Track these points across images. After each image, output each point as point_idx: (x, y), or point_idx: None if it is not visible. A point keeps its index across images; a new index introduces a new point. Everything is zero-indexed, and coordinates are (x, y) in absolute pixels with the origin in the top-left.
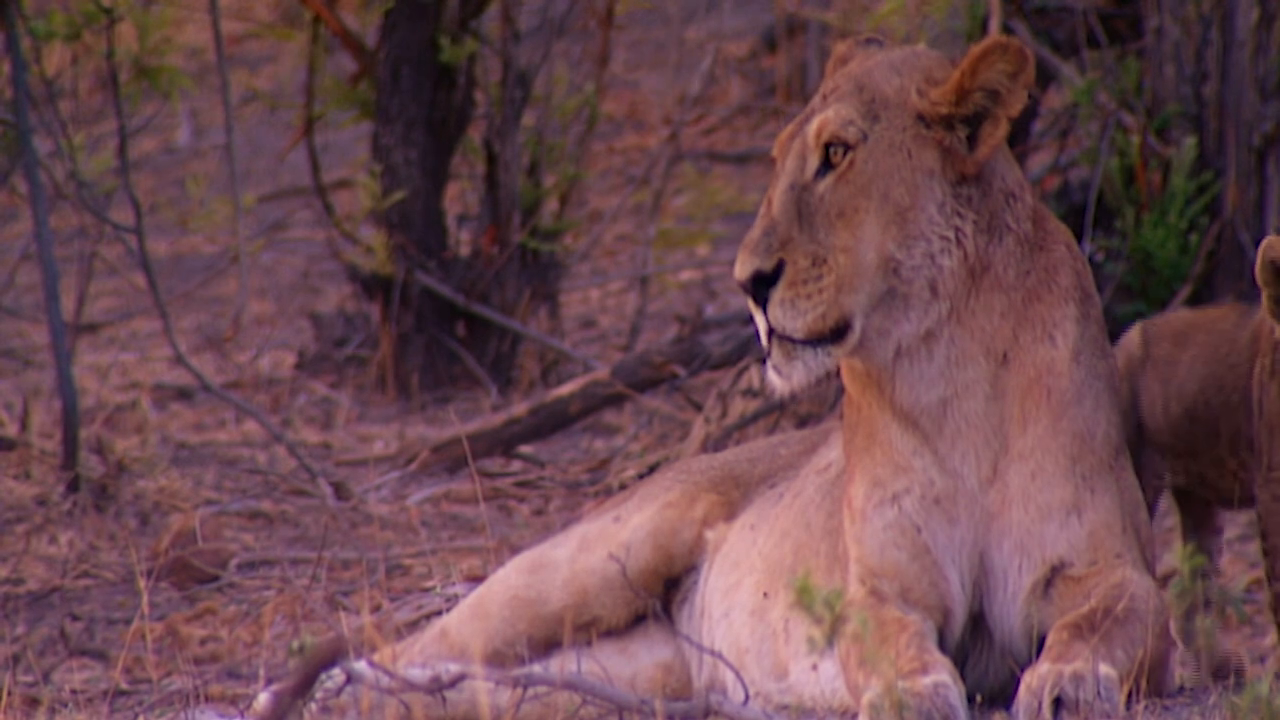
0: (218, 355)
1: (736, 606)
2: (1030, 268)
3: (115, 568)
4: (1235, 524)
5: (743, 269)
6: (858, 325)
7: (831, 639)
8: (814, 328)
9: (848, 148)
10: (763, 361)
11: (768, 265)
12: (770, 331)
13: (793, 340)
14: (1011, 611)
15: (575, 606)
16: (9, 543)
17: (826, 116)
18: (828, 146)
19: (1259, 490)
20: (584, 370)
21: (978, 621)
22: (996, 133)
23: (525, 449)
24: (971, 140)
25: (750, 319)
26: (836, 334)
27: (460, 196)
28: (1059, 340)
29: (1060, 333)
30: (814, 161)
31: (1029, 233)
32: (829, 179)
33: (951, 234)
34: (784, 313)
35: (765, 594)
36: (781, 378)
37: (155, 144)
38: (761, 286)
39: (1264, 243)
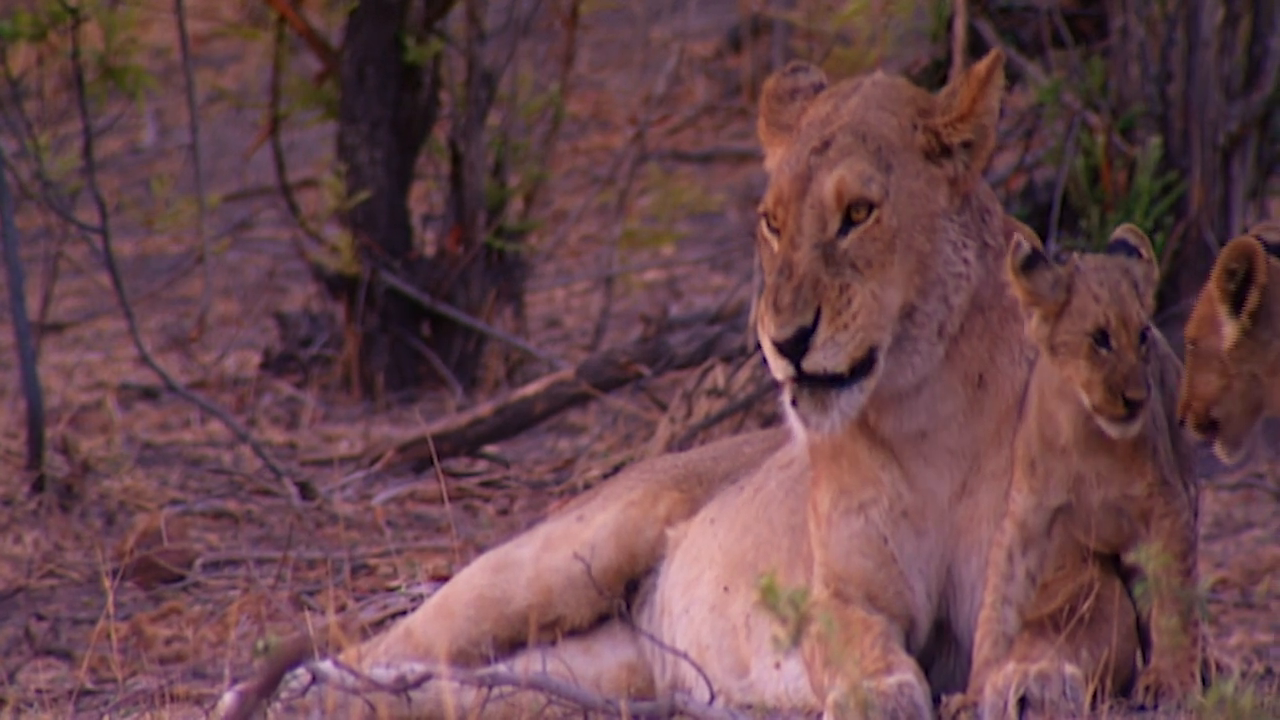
0: (183, 355)
1: (696, 601)
2: (1006, 283)
3: (80, 567)
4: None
5: (782, 330)
6: (883, 360)
7: (797, 638)
8: (855, 356)
9: (871, 206)
10: (780, 392)
11: (808, 319)
12: (797, 378)
13: (827, 381)
14: (977, 621)
15: (540, 606)
16: None
17: (843, 175)
18: (850, 206)
19: None
20: (549, 370)
21: (943, 628)
22: (988, 147)
23: (490, 449)
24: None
25: (763, 361)
26: (868, 363)
27: (425, 196)
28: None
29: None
30: (835, 223)
31: (1002, 248)
32: (853, 236)
33: (962, 268)
34: (825, 354)
35: (725, 589)
36: (812, 427)
37: (120, 144)
38: (801, 342)
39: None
